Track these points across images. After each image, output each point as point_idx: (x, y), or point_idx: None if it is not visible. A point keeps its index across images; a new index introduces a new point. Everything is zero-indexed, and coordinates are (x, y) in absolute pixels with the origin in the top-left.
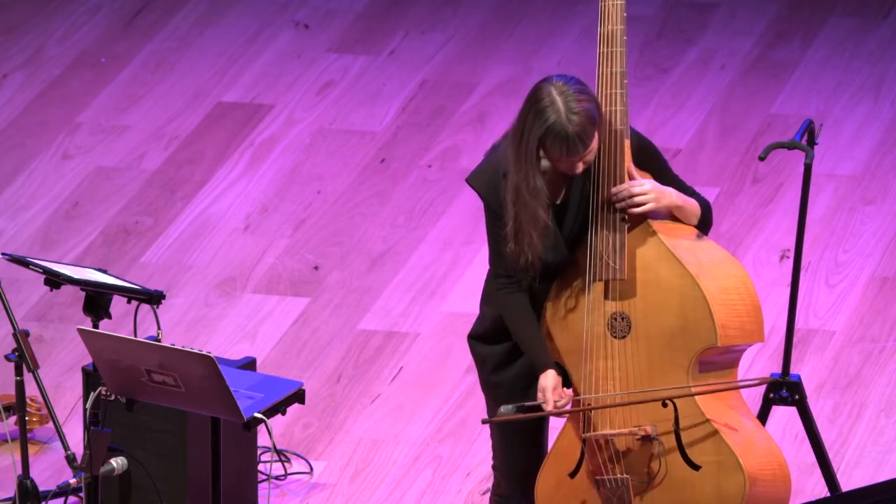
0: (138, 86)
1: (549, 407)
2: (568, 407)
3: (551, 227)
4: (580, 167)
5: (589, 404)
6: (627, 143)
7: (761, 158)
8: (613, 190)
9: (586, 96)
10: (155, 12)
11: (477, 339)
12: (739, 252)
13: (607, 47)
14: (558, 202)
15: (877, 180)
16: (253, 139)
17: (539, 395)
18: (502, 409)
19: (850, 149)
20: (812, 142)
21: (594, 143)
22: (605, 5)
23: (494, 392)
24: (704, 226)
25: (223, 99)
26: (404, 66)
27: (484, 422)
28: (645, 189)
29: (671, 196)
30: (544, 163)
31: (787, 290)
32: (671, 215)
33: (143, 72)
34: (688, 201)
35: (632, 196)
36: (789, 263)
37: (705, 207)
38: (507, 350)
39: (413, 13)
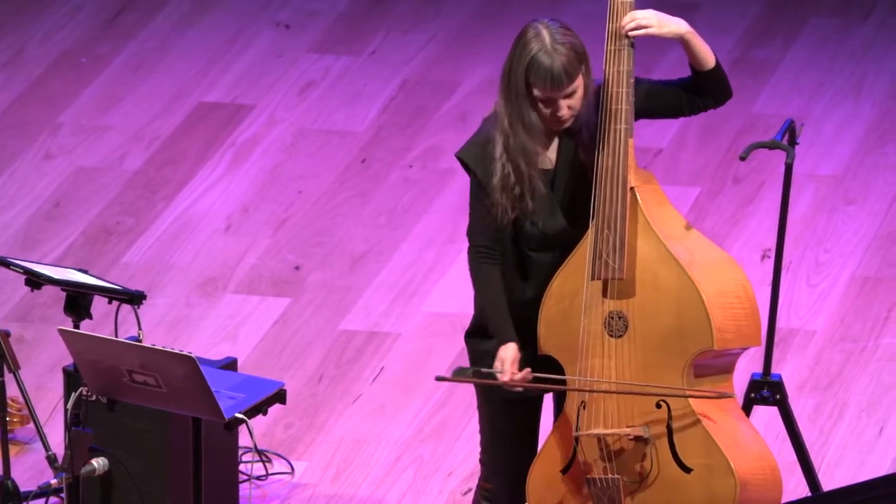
0: (119, 86)
1: (505, 378)
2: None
3: (549, 168)
4: (565, 111)
5: (572, 385)
6: (631, 141)
7: (742, 158)
8: (623, 23)
9: (571, 34)
10: (136, 13)
11: (473, 335)
12: None
13: (614, 45)
14: (548, 168)
15: (858, 180)
16: (234, 139)
17: (497, 363)
18: (457, 368)
19: (831, 148)
20: (793, 141)
21: (579, 83)
22: (613, 3)
23: (488, 389)
24: (723, 79)
25: (204, 99)
26: (385, 66)
27: (438, 379)
28: (647, 14)
29: (679, 24)
30: (534, 116)
31: (769, 290)
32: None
33: (124, 72)
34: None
35: (634, 20)
36: (770, 263)
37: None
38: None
39: (394, 13)
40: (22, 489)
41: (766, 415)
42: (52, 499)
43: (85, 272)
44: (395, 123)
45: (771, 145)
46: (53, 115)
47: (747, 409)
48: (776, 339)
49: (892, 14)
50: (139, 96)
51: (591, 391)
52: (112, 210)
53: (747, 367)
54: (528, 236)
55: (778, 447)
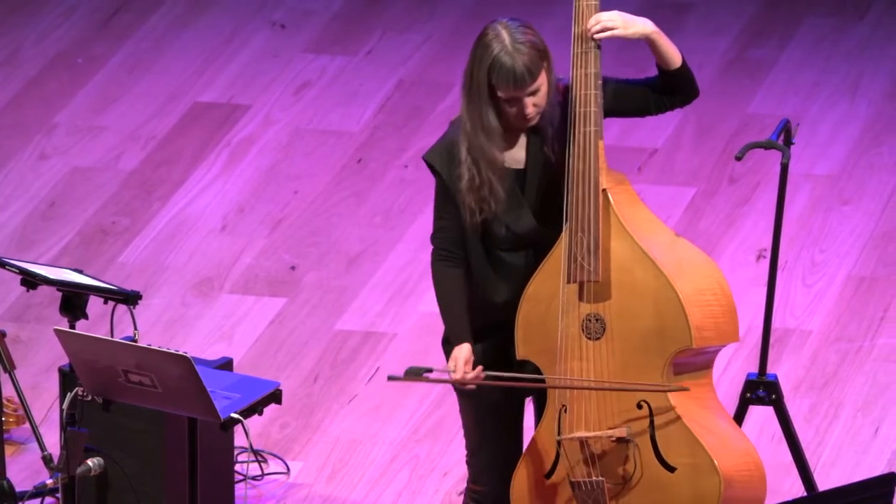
0: (115, 86)
1: (457, 376)
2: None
3: (510, 170)
4: (531, 109)
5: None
6: (601, 143)
7: (738, 158)
8: (588, 26)
9: (532, 31)
10: (131, 13)
11: (449, 342)
12: (716, 252)
13: (580, 48)
14: (519, 168)
15: (853, 180)
16: (230, 139)
17: (450, 363)
18: (409, 368)
19: (826, 148)
20: (789, 141)
21: (542, 80)
22: (578, 5)
23: (468, 393)
24: (689, 78)
25: (200, 99)
26: (381, 66)
27: (390, 378)
28: (612, 16)
29: (645, 24)
30: (493, 120)
31: (764, 290)
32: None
33: (119, 72)
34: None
35: (599, 22)
36: (766, 263)
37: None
38: (482, 350)
39: (390, 13)
40: (18, 489)
41: (761, 415)
42: (48, 499)
43: (80, 272)
44: (390, 123)
45: (767, 145)
46: (49, 116)
47: (743, 409)
48: (772, 339)
49: (888, 14)
50: (134, 96)
51: (549, 387)
52: (108, 210)
53: (742, 367)
54: (498, 237)
55: (773, 447)
